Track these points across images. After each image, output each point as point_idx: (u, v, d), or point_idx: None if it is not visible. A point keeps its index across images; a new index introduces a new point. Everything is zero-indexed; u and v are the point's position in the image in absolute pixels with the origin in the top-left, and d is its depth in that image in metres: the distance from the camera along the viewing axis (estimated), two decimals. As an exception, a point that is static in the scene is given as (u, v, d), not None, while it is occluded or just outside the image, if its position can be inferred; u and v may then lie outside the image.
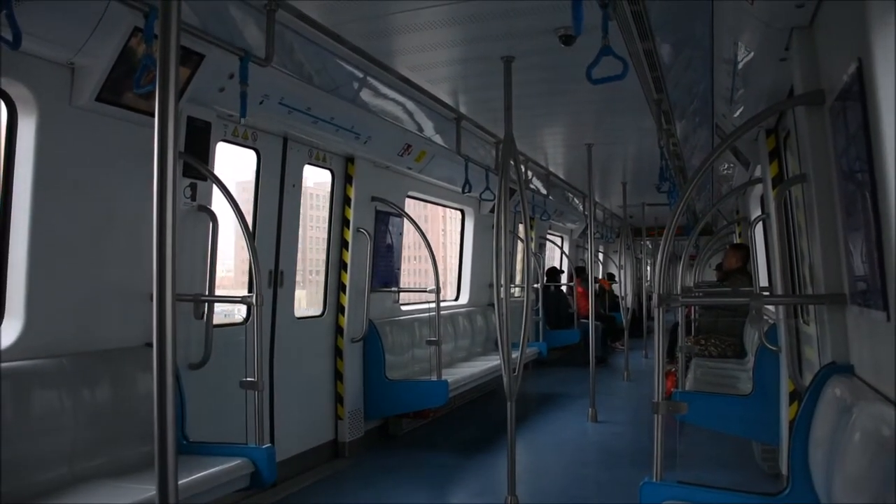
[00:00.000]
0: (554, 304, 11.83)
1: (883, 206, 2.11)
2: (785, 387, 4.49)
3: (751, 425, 5.23)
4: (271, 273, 5.20)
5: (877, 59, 2.06)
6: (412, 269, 10.59)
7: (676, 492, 3.00)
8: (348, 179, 6.07)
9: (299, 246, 5.51)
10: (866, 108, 2.18)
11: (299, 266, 5.53)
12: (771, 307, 5.78)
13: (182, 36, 2.15)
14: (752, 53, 3.55)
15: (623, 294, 13.96)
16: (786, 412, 4.45)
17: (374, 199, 6.36)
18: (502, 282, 4.65)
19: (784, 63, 3.37)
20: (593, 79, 3.03)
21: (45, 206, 3.30)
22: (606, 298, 14.34)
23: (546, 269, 12.25)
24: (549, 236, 12.76)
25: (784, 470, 4.39)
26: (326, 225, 6.05)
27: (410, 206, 7.56)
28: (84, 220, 3.54)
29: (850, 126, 2.40)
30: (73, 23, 3.08)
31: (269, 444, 3.76)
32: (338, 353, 6.03)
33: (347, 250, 6.09)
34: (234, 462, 3.58)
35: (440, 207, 9.20)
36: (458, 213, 9.17)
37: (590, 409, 7.42)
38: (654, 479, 3.04)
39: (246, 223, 4.02)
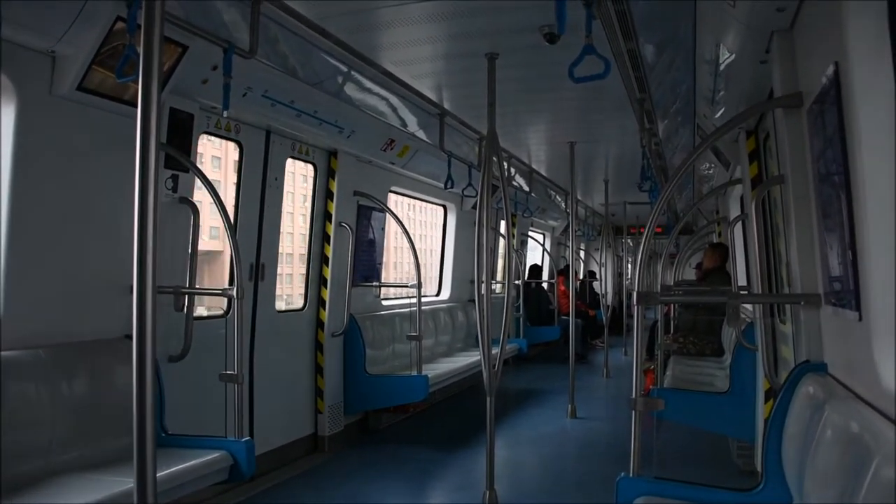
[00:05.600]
0: (535, 301, 11.89)
1: (857, 208, 2.15)
2: (761, 385, 4.56)
3: (727, 422, 5.31)
4: (252, 266, 5.18)
5: (853, 62, 2.09)
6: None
7: (652, 487, 3.03)
8: (331, 173, 6.06)
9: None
10: (842, 110, 2.22)
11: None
12: (749, 306, 5.85)
13: (165, 26, 2.13)
14: (733, 55, 3.59)
15: (603, 292, 14.05)
16: (761, 410, 4.51)
17: (356, 193, 6.35)
18: (483, 278, 4.66)
19: (764, 65, 3.41)
20: (576, 77, 3.06)
21: (23, 195, 3.26)
22: (587, 295, 14.42)
23: (528, 266, 12.29)
24: (530, 233, 12.80)
25: (759, 467, 4.46)
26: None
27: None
28: (63, 210, 3.49)
29: (826, 129, 2.45)
30: (55, 10, 3.04)
31: (248, 438, 3.74)
32: (318, 347, 6.03)
33: (329, 244, 6.08)
34: (213, 455, 3.56)
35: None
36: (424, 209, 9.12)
37: (569, 406, 7.47)
38: (631, 475, 3.08)
39: (228, 215, 4.00)
